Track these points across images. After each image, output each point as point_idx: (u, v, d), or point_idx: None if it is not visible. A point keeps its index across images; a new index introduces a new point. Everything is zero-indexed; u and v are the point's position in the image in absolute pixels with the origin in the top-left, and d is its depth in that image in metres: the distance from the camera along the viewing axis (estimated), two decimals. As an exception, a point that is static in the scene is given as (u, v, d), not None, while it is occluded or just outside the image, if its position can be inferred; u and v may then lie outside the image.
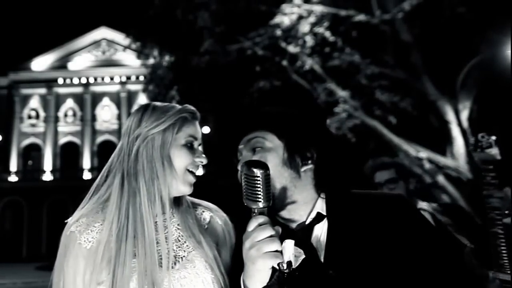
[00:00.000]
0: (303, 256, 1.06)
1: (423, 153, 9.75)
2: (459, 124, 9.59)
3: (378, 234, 1.15)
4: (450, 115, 9.67)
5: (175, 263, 1.28)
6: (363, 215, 1.19)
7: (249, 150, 1.26)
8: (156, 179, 1.30)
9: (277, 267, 1.01)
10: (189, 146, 1.34)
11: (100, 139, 32.58)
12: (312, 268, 1.12)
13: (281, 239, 1.03)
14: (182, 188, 1.34)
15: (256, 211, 1.05)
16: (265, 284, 1.04)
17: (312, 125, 1.28)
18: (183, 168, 1.32)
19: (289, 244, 1.01)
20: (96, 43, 33.76)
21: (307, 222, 1.22)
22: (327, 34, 10.71)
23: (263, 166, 1.05)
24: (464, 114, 9.65)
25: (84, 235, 1.29)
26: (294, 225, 1.24)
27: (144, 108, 1.37)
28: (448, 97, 9.74)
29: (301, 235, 1.19)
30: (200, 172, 1.39)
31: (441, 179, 9.48)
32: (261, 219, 1.04)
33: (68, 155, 32.13)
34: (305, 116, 1.29)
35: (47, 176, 31.64)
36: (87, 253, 1.27)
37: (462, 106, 9.65)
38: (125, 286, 1.21)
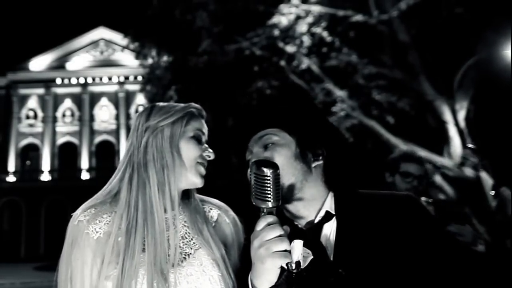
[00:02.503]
0: (311, 257, 1.07)
1: (421, 153, 9.75)
2: (456, 124, 9.60)
3: (387, 234, 1.16)
4: (447, 115, 9.68)
5: (181, 260, 1.28)
6: (372, 214, 1.20)
7: (260, 146, 1.27)
8: (166, 168, 1.30)
9: (286, 267, 1.01)
10: (198, 139, 1.36)
11: (98, 139, 32.44)
12: (321, 268, 1.13)
13: (290, 238, 1.03)
14: (194, 179, 1.34)
15: (265, 211, 1.05)
16: (273, 283, 1.04)
17: (322, 123, 1.31)
18: (192, 159, 1.33)
19: (298, 244, 1.02)
20: (94, 43, 33.62)
21: (316, 221, 1.22)
22: (325, 34, 10.71)
23: (273, 165, 1.06)
24: (461, 114, 9.66)
25: (92, 225, 1.28)
26: (302, 222, 1.25)
27: (151, 106, 1.39)
28: (445, 97, 9.75)
29: (310, 234, 1.20)
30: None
31: (438, 178, 9.50)
32: (270, 218, 1.04)
33: (66, 155, 31.98)
34: (315, 115, 1.32)
35: (45, 176, 31.50)
36: (94, 243, 1.26)
37: (459, 106, 9.67)
38: (133, 279, 1.21)
